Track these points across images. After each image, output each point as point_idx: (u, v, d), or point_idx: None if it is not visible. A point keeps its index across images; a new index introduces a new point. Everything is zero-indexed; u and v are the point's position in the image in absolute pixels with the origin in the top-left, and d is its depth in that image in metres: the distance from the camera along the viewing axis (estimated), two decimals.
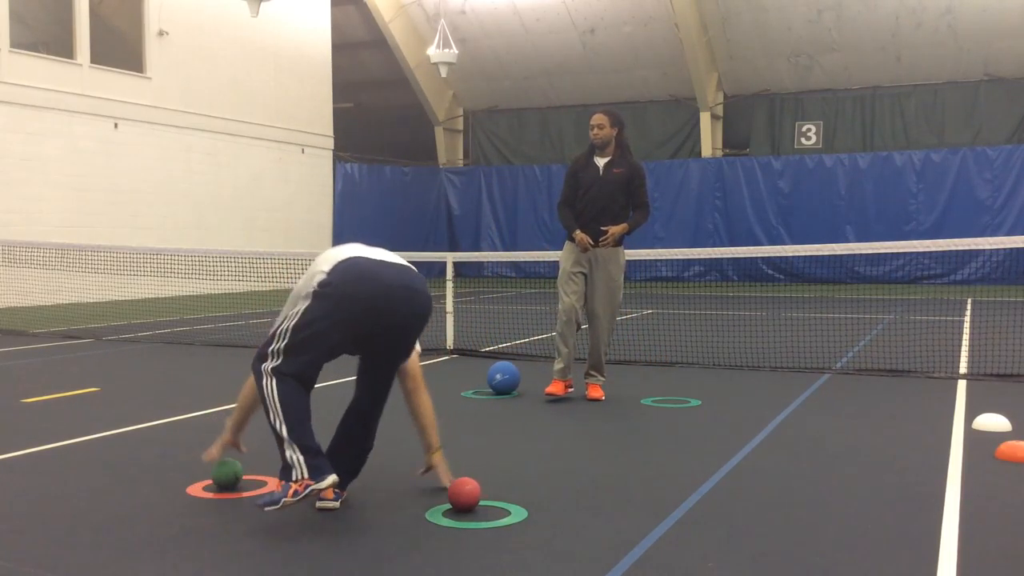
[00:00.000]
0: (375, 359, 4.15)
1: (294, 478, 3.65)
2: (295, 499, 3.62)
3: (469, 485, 3.99)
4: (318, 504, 4.00)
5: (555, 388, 6.66)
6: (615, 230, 6.50)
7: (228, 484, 4.31)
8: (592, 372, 6.77)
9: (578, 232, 6.55)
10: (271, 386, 3.74)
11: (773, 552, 3.49)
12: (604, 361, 6.78)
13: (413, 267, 4.15)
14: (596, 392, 6.70)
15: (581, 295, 6.65)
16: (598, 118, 6.59)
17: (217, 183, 19.75)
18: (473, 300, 16.44)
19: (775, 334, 10.55)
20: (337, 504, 4.02)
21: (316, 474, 3.66)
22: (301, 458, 3.65)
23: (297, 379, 3.77)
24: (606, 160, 6.61)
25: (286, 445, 3.69)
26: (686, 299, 17.22)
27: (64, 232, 15.91)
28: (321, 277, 3.88)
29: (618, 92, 24.13)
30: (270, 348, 3.81)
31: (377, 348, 4.08)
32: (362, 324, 3.89)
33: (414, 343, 4.21)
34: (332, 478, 3.69)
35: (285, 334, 3.79)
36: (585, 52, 23.40)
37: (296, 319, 3.81)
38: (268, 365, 3.77)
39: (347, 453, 4.15)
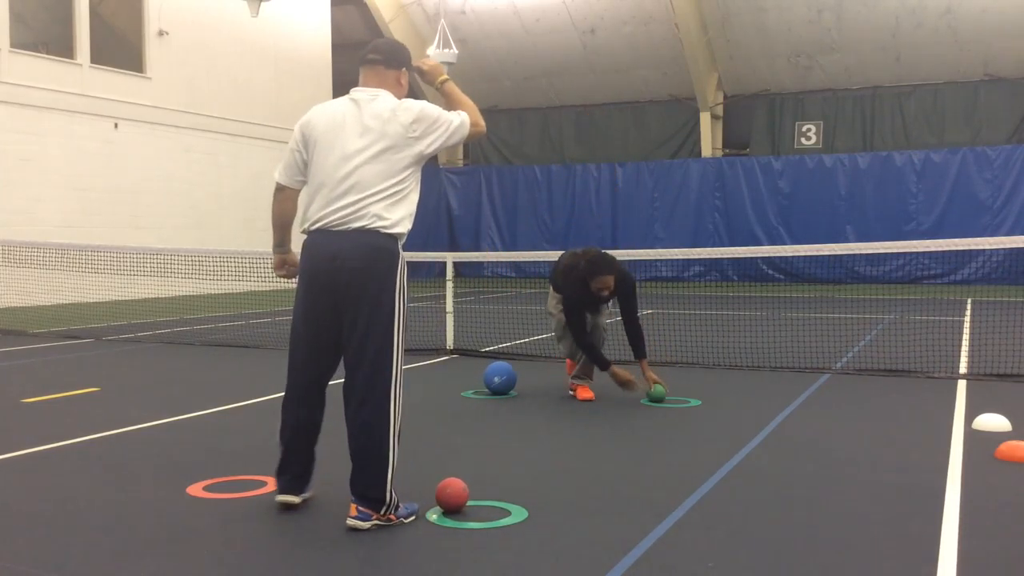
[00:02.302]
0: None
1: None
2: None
3: (451, 488, 3.94)
4: (277, 498, 3.99)
5: (587, 393, 6.69)
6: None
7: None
8: (582, 375, 6.79)
9: (615, 369, 6.51)
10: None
11: (773, 552, 3.49)
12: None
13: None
14: (586, 393, 6.73)
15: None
16: (606, 281, 6.41)
17: (217, 183, 19.75)
18: (473, 300, 16.43)
19: (775, 334, 10.54)
20: (298, 500, 4.00)
21: None
22: None
23: None
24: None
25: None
26: (686, 299, 17.21)
27: (64, 232, 15.91)
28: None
29: (618, 92, 24.13)
30: None
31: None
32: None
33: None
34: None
35: None
36: (585, 52, 23.39)
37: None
38: None
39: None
